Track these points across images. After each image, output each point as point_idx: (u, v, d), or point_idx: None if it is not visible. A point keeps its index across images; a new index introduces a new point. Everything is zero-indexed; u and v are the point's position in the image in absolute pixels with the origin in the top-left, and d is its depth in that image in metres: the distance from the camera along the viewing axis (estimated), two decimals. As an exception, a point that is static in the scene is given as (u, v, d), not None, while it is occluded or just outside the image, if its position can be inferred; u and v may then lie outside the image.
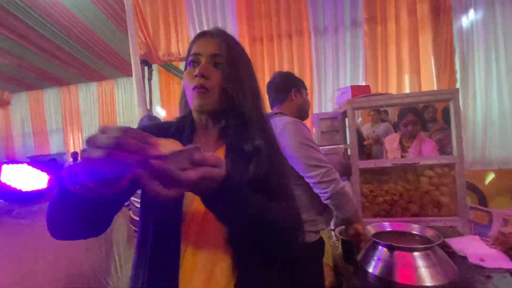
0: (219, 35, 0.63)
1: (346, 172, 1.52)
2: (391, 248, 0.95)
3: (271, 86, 1.41)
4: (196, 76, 0.60)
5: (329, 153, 1.66)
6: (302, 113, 1.39)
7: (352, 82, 2.53)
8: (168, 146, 0.40)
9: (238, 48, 0.65)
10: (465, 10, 2.45)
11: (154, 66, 3.19)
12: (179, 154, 0.39)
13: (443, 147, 1.80)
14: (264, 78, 2.72)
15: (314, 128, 1.76)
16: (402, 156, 1.85)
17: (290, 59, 2.64)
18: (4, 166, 1.12)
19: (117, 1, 3.87)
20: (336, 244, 1.52)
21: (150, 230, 0.59)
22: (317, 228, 1.25)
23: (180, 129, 0.68)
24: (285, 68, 2.67)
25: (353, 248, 1.21)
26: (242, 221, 0.49)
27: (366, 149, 2.31)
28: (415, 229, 1.08)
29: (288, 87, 1.38)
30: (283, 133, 1.16)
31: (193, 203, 0.58)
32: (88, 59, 5.71)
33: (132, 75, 2.63)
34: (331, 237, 1.55)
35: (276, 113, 1.32)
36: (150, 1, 2.85)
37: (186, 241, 0.56)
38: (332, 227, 1.56)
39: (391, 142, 2.04)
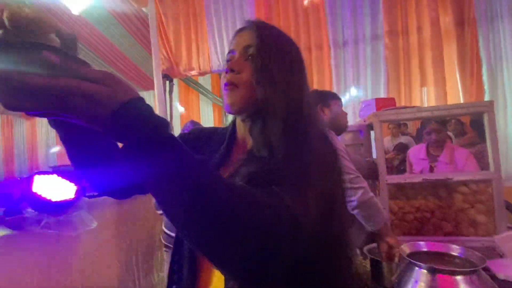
0: (253, 25, 0.56)
1: (374, 174, 1.46)
2: (431, 271, 0.88)
3: None
4: (226, 72, 0.54)
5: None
6: (334, 126, 1.37)
7: (374, 95, 2.48)
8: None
9: (276, 37, 0.56)
10: (491, 20, 2.39)
11: (175, 80, 3.27)
12: (25, 48, 0.27)
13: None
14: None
15: (338, 141, 1.73)
16: (430, 166, 1.76)
17: (309, 72, 2.64)
18: (36, 177, 1.14)
19: (139, 19, 4.06)
20: (364, 263, 1.44)
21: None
22: None
23: (223, 136, 0.63)
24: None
25: (384, 268, 1.14)
26: (167, 187, 0.31)
27: (388, 163, 2.23)
28: (455, 250, 1.00)
29: None
30: None
31: None
32: (110, 73, 5.97)
33: (151, 89, 2.69)
34: (357, 255, 1.47)
35: None
36: (173, 18, 2.97)
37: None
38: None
39: (416, 153, 1.96)
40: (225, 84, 0.54)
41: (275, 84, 0.51)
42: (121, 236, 1.59)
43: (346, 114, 1.49)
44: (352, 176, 1.12)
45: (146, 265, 1.95)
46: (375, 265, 1.18)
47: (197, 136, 0.68)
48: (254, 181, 0.43)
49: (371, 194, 1.14)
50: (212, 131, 0.68)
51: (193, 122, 2.07)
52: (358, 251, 1.48)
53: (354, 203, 1.11)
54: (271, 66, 0.52)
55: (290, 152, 0.46)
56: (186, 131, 0.73)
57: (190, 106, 4.04)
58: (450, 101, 2.34)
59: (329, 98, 1.42)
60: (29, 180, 1.11)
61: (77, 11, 3.53)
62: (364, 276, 1.33)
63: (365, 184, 1.13)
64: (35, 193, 1.13)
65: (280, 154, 0.46)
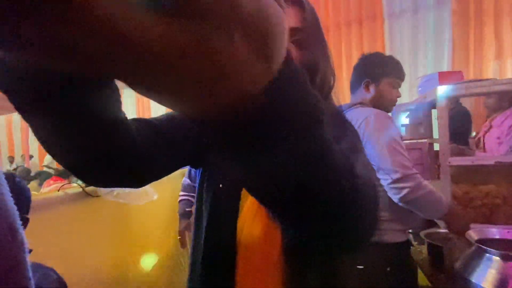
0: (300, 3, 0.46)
1: None
2: (506, 258, 0.81)
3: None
4: None
5: (412, 148, 1.50)
6: (375, 106, 1.19)
7: (434, 69, 2.23)
8: None
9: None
10: None
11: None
12: None
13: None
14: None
15: (393, 120, 1.61)
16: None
17: (359, 46, 2.46)
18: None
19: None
20: (418, 249, 1.38)
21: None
22: (404, 226, 1.15)
23: None
24: (354, 57, 2.50)
25: (445, 253, 1.08)
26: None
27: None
28: (533, 239, 0.90)
29: (360, 77, 1.22)
30: (364, 127, 1.07)
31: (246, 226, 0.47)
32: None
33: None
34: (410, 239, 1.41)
35: (354, 104, 1.22)
36: None
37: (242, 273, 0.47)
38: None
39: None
40: None
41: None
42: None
43: (395, 97, 1.24)
44: (398, 176, 0.99)
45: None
46: (434, 250, 1.11)
47: None
48: None
49: (421, 191, 0.99)
50: None
51: None
52: (412, 236, 1.42)
53: (397, 201, 1.02)
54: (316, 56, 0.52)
55: None
56: None
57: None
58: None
59: (383, 74, 1.21)
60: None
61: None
62: (419, 263, 1.28)
63: (411, 183, 0.99)
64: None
65: None
